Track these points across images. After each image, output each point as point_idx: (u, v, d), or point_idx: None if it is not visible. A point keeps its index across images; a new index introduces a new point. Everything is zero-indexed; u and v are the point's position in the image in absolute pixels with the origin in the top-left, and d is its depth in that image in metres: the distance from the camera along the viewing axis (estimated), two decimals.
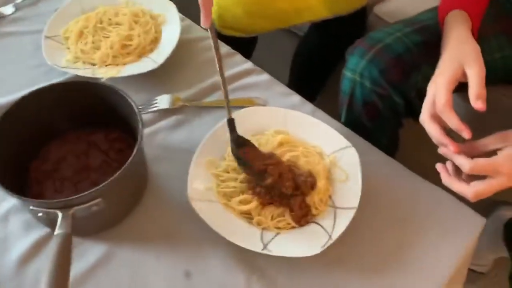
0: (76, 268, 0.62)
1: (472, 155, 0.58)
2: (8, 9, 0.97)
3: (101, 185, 0.57)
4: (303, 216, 0.64)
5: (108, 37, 0.85)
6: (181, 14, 0.92)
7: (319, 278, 0.62)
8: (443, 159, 0.62)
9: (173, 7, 0.91)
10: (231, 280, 0.62)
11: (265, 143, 0.70)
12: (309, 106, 0.81)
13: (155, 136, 0.77)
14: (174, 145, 0.75)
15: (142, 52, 0.85)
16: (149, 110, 0.80)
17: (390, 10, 1.11)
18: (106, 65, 0.83)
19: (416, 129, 0.73)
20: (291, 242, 0.62)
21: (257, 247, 0.61)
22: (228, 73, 0.85)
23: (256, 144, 0.68)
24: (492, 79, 0.63)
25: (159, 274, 0.62)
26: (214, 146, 0.71)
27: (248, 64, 0.87)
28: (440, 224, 0.67)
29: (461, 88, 0.62)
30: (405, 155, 0.89)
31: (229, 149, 0.70)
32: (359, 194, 0.65)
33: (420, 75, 0.77)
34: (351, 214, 0.63)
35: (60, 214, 0.56)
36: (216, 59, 0.63)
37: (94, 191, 0.57)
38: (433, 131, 0.60)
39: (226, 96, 0.65)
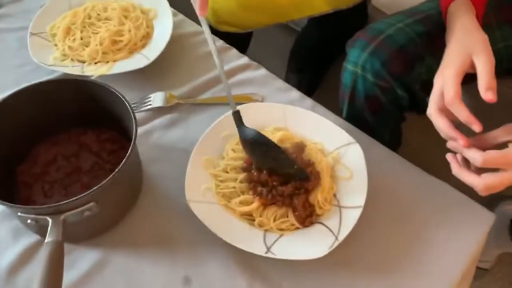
0: (69, 276, 0.59)
1: (481, 149, 0.56)
2: None
3: (93, 189, 0.54)
4: (307, 217, 0.62)
5: (97, 33, 0.83)
6: (173, 9, 0.89)
7: (325, 281, 0.60)
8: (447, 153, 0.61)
9: (164, 1, 0.88)
10: (233, 286, 0.60)
11: None
12: (308, 101, 0.79)
13: (149, 136, 0.75)
14: (170, 145, 0.73)
15: (133, 48, 0.83)
16: (142, 108, 0.77)
17: (388, 1, 1.09)
18: (95, 63, 0.80)
19: (419, 123, 0.71)
20: (295, 244, 0.60)
21: (260, 250, 0.59)
22: (224, 68, 0.82)
23: None
24: (496, 69, 0.61)
25: (157, 281, 0.60)
26: (211, 145, 0.68)
27: (244, 59, 0.85)
28: (450, 220, 0.65)
29: (465, 80, 0.60)
30: (406, 150, 0.87)
31: (227, 147, 0.68)
32: (365, 192, 0.63)
33: (424, 67, 0.75)
34: (357, 213, 0.61)
35: (50, 221, 0.54)
36: (212, 51, 0.60)
37: (86, 195, 0.54)
38: (442, 124, 0.58)
39: (226, 85, 0.62)
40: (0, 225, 0.64)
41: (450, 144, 0.59)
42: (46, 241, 0.52)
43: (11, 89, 0.64)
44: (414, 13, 0.79)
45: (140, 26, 0.84)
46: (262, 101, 0.79)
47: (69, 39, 0.82)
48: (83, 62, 0.81)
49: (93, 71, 0.78)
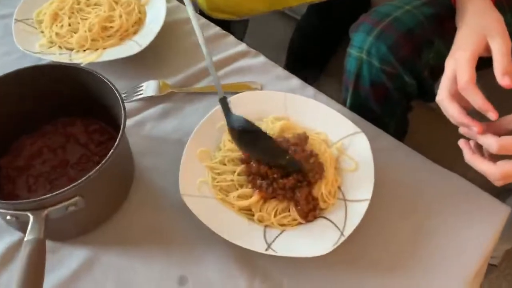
0: (55, 277, 0.57)
1: (495, 135, 0.53)
2: None
3: (78, 182, 0.50)
4: (310, 211, 0.59)
5: (86, 19, 0.79)
6: None
7: (330, 280, 0.58)
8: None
9: None
10: (231, 285, 0.57)
11: None
12: (310, 90, 0.76)
13: (142, 127, 0.72)
14: (163, 136, 0.70)
15: (125, 35, 0.80)
16: (134, 98, 0.74)
17: None
18: (84, 50, 0.77)
19: (425, 112, 0.67)
20: (298, 240, 0.57)
21: (260, 247, 0.56)
22: (220, 56, 0.80)
23: None
24: None
25: (150, 281, 0.57)
26: (207, 136, 0.65)
27: (242, 46, 0.82)
28: (462, 214, 0.63)
29: (477, 66, 0.56)
30: (410, 144, 0.83)
31: (224, 138, 0.65)
32: (372, 184, 0.60)
33: (433, 52, 0.72)
34: (363, 206, 0.58)
35: (31, 217, 0.50)
36: (195, 28, 0.55)
37: (70, 189, 0.50)
38: (454, 111, 0.55)
39: (211, 65, 0.56)
40: None
41: (462, 130, 0.56)
42: (26, 239, 0.48)
43: None
44: None
45: (132, 11, 0.81)
46: (261, 89, 0.76)
47: (56, 25, 0.79)
48: (71, 49, 0.77)
49: (81, 59, 0.75)
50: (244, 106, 0.67)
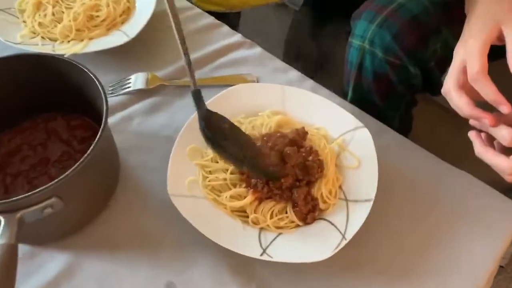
0: (34, 284, 0.54)
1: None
2: None
3: (54, 181, 0.47)
4: (309, 212, 0.56)
5: (71, 8, 0.76)
6: None
7: (330, 287, 0.54)
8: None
9: None
10: None
11: (260, 126, 0.63)
12: (309, 82, 0.73)
13: (129, 122, 0.69)
14: (152, 132, 0.68)
15: (112, 25, 0.77)
16: (121, 91, 0.71)
17: None
18: (69, 41, 0.73)
19: (430, 107, 0.63)
20: (295, 244, 0.54)
21: (254, 252, 0.53)
22: (214, 46, 0.78)
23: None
24: None
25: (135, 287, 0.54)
26: (198, 132, 0.61)
27: (237, 37, 0.80)
28: (472, 215, 0.60)
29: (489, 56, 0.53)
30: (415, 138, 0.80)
31: None
32: (376, 183, 0.57)
33: (440, 42, 0.69)
34: (366, 207, 0.56)
35: (2, 220, 0.46)
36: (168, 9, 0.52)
37: (45, 189, 0.46)
38: (462, 102, 0.51)
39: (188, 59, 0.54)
40: None
41: (472, 121, 0.53)
42: None
43: None
44: None
45: (120, 0, 0.78)
46: (257, 82, 0.73)
47: (39, 15, 0.75)
48: (55, 40, 0.74)
49: (65, 50, 0.71)
50: (240, 99, 0.65)
